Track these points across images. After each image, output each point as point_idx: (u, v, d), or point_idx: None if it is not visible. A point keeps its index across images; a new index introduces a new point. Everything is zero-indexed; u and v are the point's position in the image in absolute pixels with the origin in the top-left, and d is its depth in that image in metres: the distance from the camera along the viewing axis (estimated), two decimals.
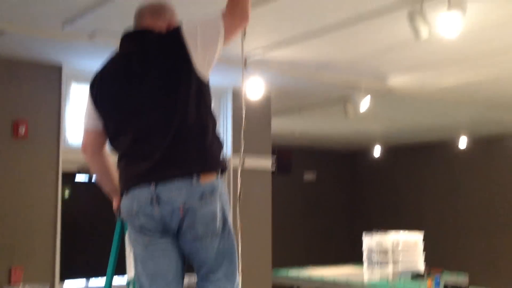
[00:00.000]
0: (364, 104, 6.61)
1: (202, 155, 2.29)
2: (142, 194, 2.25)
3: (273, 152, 7.75)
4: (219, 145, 2.39)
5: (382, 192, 12.95)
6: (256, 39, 4.81)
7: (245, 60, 2.98)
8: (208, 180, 2.26)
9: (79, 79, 6.03)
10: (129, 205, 2.30)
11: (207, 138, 2.31)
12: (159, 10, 2.51)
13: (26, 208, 5.52)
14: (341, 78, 6.39)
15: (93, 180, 5.51)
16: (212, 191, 2.27)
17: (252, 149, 6.96)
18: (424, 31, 3.99)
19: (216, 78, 4.43)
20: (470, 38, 4.72)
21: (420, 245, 7.22)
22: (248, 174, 5.71)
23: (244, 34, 2.81)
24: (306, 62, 5.84)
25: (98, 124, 2.47)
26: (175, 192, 2.22)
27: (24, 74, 5.63)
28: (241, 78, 5.86)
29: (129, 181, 2.31)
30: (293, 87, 7.02)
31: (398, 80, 6.60)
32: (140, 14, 2.54)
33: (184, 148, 2.26)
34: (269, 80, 6.28)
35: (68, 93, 6.01)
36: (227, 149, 6.82)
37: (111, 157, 2.58)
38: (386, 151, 12.07)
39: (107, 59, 2.56)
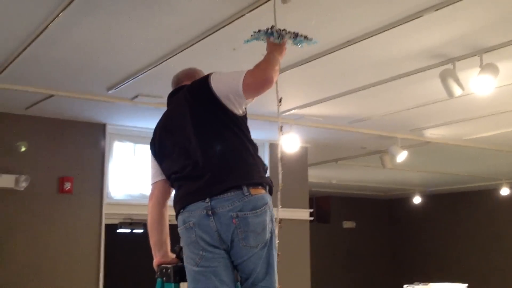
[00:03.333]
0: (401, 156, 6.63)
1: (249, 171, 2.49)
2: (198, 209, 2.43)
3: (312, 201, 7.79)
4: (263, 165, 2.60)
5: (422, 240, 12.75)
6: (293, 98, 4.98)
7: (281, 127, 3.09)
8: (258, 193, 2.46)
9: (121, 137, 6.28)
10: (186, 219, 2.47)
11: (250, 158, 2.54)
12: (193, 74, 2.84)
13: (70, 258, 5.71)
14: (376, 132, 6.45)
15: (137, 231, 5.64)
16: (263, 202, 2.46)
17: (290, 200, 7.05)
18: (457, 90, 4.06)
19: (254, 133, 4.61)
20: (502, 91, 4.77)
21: None
22: (286, 224, 5.78)
23: (280, 101, 2.94)
24: (341, 117, 5.95)
25: (161, 174, 2.71)
26: (228, 203, 2.40)
27: (70, 133, 5.90)
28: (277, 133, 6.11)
29: (184, 200, 2.51)
30: (329, 140, 7.11)
31: (433, 132, 6.63)
32: (178, 78, 2.87)
33: (231, 166, 2.48)
34: (305, 133, 6.40)
35: (111, 151, 6.25)
36: None
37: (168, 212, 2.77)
38: (425, 199, 11.96)
39: (159, 119, 2.82)
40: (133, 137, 6.40)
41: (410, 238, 13.07)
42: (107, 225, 6.02)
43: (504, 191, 10.34)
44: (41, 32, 3.58)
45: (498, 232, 11.40)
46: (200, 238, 2.44)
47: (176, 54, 4.03)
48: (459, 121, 6.04)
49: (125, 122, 6.15)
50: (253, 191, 2.43)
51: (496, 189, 10.52)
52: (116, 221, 6.27)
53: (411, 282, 6.84)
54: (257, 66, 2.58)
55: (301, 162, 7.35)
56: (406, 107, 5.54)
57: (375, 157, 7.76)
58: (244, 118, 2.64)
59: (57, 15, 3.32)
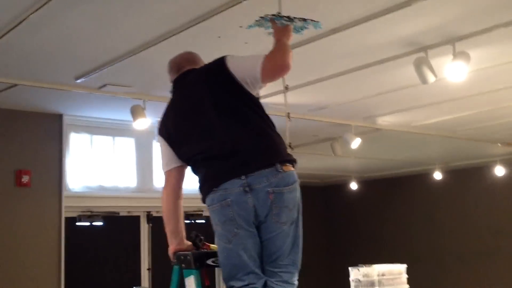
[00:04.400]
0: (355, 143, 6.85)
1: (278, 149, 2.56)
2: (234, 186, 2.45)
3: None
4: (283, 143, 2.66)
5: (360, 225, 13.20)
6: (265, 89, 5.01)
7: (288, 114, 3.15)
8: (289, 169, 2.52)
9: (77, 129, 6.13)
10: (221, 197, 2.48)
11: (276, 136, 2.59)
12: (193, 59, 2.86)
13: (29, 252, 5.52)
14: (332, 119, 6.63)
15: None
16: (294, 179, 2.54)
17: None
18: (430, 77, 4.27)
19: None
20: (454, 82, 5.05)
21: (404, 276, 7.39)
22: None
23: (287, 88, 2.99)
24: (301, 105, 6.06)
25: (176, 160, 2.70)
26: (264, 179, 2.45)
27: (27, 125, 5.68)
28: None
29: (217, 178, 2.51)
30: (284, 127, 7.20)
31: (385, 120, 6.89)
32: (178, 64, 2.84)
33: (263, 143, 2.53)
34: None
35: (68, 142, 6.07)
36: None
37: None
38: (361, 185, 12.38)
39: (166, 107, 2.79)
40: (89, 127, 6.25)
41: (348, 223, 13.49)
42: (66, 218, 5.85)
43: (437, 175, 10.89)
44: (20, 23, 3.44)
45: (430, 214, 12.00)
46: (238, 215, 2.47)
47: (156, 44, 3.97)
48: (411, 108, 6.32)
49: (82, 112, 5.98)
50: (285, 168, 2.49)
51: (429, 174, 11.06)
52: (75, 214, 6.11)
53: (350, 265, 7.07)
54: (275, 52, 2.63)
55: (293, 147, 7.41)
56: (365, 96, 5.74)
57: (323, 144, 7.95)
58: (259, 100, 2.68)
59: (41, 7, 3.21)
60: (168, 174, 2.75)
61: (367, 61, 4.60)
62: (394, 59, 4.49)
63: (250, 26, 3.06)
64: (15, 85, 4.73)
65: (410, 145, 8.97)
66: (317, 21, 3.04)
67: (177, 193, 2.74)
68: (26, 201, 5.61)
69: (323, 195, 14.03)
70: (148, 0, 3.37)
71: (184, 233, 2.77)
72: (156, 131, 2.83)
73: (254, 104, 2.60)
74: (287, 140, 3.20)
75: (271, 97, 5.52)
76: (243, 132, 2.53)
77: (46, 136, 5.83)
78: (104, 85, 4.92)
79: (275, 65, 2.58)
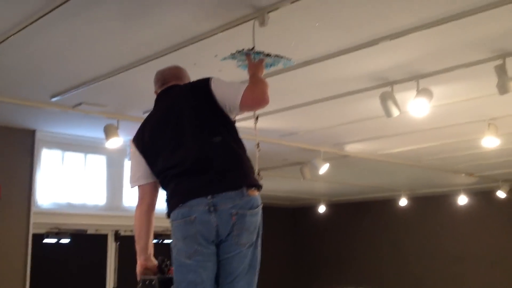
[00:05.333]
0: (323, 168, 7.02)
1: (247, 172, 2.64)
2: (200, 204, 2.53)
3: None
4: (252, 167, 2.75)
5: (325, 248, 13.34)
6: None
7: (258, 143, 3.27)
8: (254, 194, 2.61)
9: (50, 145, 6.15)
10: (187, 213, 2.55)
11: (246, 159, 2.68)
12: (180, 75, 2.95)
13: None
14: (302, 145, 6.79)
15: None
16: (258, 203, 2.62)
17: None
18: (395, 111, 4.46)
19: None
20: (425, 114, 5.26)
21: None
22: None
23: (257, 119, 3.12)
24: (273, 131, 6.21)
25: (151, 175, 2.74)
26: (230, 201, 2.53)
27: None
28: None
29: (185, 195, 2.58)
30: (255, 151, 7.33)
31: (353, 147, 7.08)
32: (165, 77, 2.93)
33: (233, 165, 2.61)
34: None
35: (40, 158, 6.09)
36: None
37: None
38: (329, 208, 12.55)
39: (146, 117, 2.86)
40: (62, 144, 6.27)
41: (314, 246, 13.62)
42: (33, 235, 5.84)
43: (403, 202, 11.13)
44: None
45: (396, 240, 12.21)
46: (199, 233, 2.53)
47: (132, 68, 4.07)
48: (378, 137, 6.52)
49: (55, 129, 6.02)
50: (250, 192, 2.58)
51: (395, 200, 11.30)
52: (42, 231, 6.11)
53: (317, 287, 7.19)
54: (255, 85, 2.75)
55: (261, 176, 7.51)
56: (335, 124, 5.92)
57: (292, 168, 8.10)
58: (234, 124, 2.77)
59: (24, 27, 3.30)
60: (142, 190, 2.77)
61: (337, 92, 4.77)
62: (362, 91, 4.68)
63: (224, 58, 3.20)
64: None
65: (377, 172, 9.19)
66: (289, 59, 3.20)
67: (151, 210, 2.79)
68: None
69: (292, 217, 14.16)
70: (125, 26, 3.47)
71: (152, 250, 2.82)
72: (129, 144, 2.86)
73: (230, 126, 2.71)
74: (256, 167, 3.32)
75: (244, 121, 5.66)
76: (216, 152, 2.61)
77: (18, 151, 5.84)
78: (80, 104, 4.99)
79: (255, 98, 2.70)
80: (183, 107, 2.70)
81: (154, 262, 2.82)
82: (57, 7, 3.09)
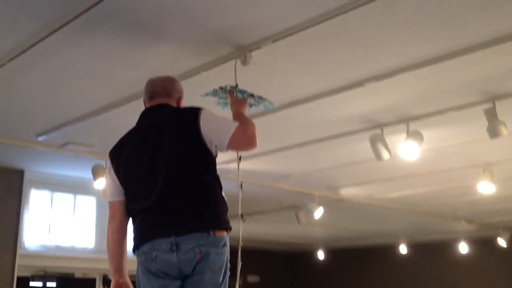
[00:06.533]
0: (318, 212, 6.89)
1: (216, 216, 2.52)
2: (162, 243, 2.45)
3: None
4: (225, 206, 2.62)
5: None
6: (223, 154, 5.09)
7: (241, 184, 3.17)
8: (221, 234, 2.50)
9: (39, 185, 6.07)
10: (149, 250, 2.48)
11: (218, 202, 2.55)
12: (170, 90, 2.79)
13: None
14: (296, 188, 6.68)
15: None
16: (224, 243, 2.51)
17: None
18: (385, 154, 4.37)
19: None
20: (418, 158, 5.16)
21: None
22: None
23: (240, 159, 3.05)
24: (266, 173, 6.12)
25: (121, 193, 2.64)
26: (193, 241, 2.43)
27: None
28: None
29: (148, 234, 2.50)
30: (250, 194, 7.23)
31: (348, 191, 6.97)
32: (155, 91, 2.79)
33: (200, 208, 2.49)
34: (228, 187, 6.49)
35: (28, 198, 6.00)
36: None
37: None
38: (327, 254, 12.32)
39: (126, 133, 2.75)
40: (51, 184, 6.19)
41: None
42: (18, 278, 5.70)
43: (402, 249, 10.92)
44: None
45: (395, 287, 11.95)
46: (161, 270, 2.46)
47: (115, 108, 4.03)
48: (373, 181, 6.42)
49: (44, 169, 5.95)
50: (217, 232, 2.48)
51: (395, 246, 11.09)
52: (28, 273, 5.96)
53: None
54: (245, 125, 2.64)
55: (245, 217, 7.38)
56: (328, 167, 5.83)
57: (288, 212, 7.97)
58: (215, 160, 2.66)
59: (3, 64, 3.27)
60: (114, 207, 2.68)
61: (326, 134, 4.71)
62: (352, 134, 4.62)
63: (206, 94, 3.15)
64: None
65: (375, 217, 9.04)
66: (271, 103, 3.14)
67: (123, 228, 2.69)
68: None
69: (290, 262, 13.91)
70: (109, 66, 3.44)
71: (126, 269, 2.71)
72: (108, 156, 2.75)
73: (209, 164, 2.60)
74: (239, 209, 3.22)
75: (233, 163, 5.59)
76: (187, 192, 2.51)
77: (5, 191, 5.76)
78: (66, 143, 4.93)
79: (245, 140, 2.61)
80: (164, 138, 2.58)
81: (128, 281, 2.71)
82: (36, 43, 3.06)
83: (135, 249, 2.58)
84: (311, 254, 12.69)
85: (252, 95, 3.03)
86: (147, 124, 2.69)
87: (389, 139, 4.44)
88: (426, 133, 4.30)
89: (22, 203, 5.84)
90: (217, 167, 2.66)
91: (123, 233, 2.68)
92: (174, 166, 2.54)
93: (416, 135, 4.20)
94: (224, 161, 5.23)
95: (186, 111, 2.65)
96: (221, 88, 3.06)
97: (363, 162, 5.45)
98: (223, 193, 2.65)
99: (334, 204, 7.40)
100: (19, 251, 5.74)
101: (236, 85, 3.08)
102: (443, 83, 3.72)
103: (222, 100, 3.19)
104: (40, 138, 4.77)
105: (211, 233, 2.46)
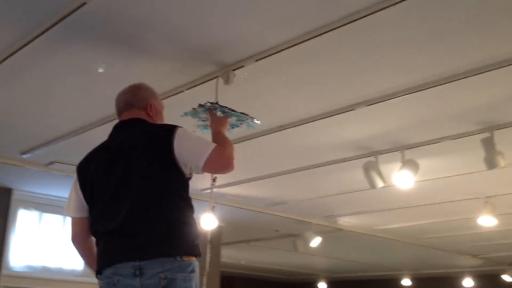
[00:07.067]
0: (315, 242, 6.69)
1: (184, 241, 2.38)
2: (125, 267, 2.30)
3: None
4: (196, 232, 2.47)
5: None
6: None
7: (214, 207, 3.03)
8: (189, 259, 2.35)
9: (27, 205, 5.94)
10: (111, 275, 2.34)
11: (187, 227, 2.40)
12: (132, 101, 2.61)
13: None
14: (292, 215, 6.50)
15: None
16: (192, 269, 2.35)
17: None
18: (379, 182, 4.20)
19: None
20: (416, 189, 4.99)
21: None
22: None
23: (214, 181, 2.90)
24: (259, 199, 5.96)
25: (85, 210, 2.50)
26: (159, 265, 2.29)
27: None
28: (197, 211, 6.00)
29: (110, 258, 2.36)
30: (245, 220, 7.07)
31: (346, 220, 6.77)
32: (119, 107, 2.64)
33: (167, 234, 2.35)
34: (223, 213, 6.34)
35: (15, 218, 5.86)
36: None
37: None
38: (330, 285, 12.05)
39: (95, 147, 2.59)
40: (40, 205, 6.04)
41: None
42: None
43: (405, 282, 10.63)
44: None
45: None
46: None
47: (104, 124, 3.91)
48: (371, 211, 6.22)
49: (34, 188, 5.82)
50: (184, 257, 2.34)
51: (397, 279, 10.80)
52: None
53: None
54: (223, 145, 2.51)
55: (215, 242, 7.20)
56: (323, 194, 5.65)
57: (287, 240, 7.78)
58: (187, 182, 2.51)
59: None
60: (75, 222, 2.54)
61: (319, 160, 4.56)
62: (346, 161, 4.45)
63: (185, 114, 3.01)
64: None
65: (376, 249, 8.80)
66: (253, 118, 3.01)
67: (87, 237, 2.54)
68: None
69: None
70: (88, 82, 3.32)
71: None
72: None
73: (180, 187, 2.45)
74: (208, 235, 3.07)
75: (226, 187, 5.45)
76: (155, 218, 2.37)
77: None
78: (52, 162, 4.81)
79: (221, 163, 2.46)
80: (134, 158, 2.43)
81: None
82: (10, 55, 2.94)
83: (97, 273, 2.42)
84: (312, 285, 12.43)
85: (233, 111, 2.90)
86: (117, 141, 2.54)
87: (385, 167, 4.27)
88: (423, 163, 4.13)
89: (8, 222, 5.69)
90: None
91: (88, 241, 2.54)
92: (143, 189, 2.38)
93: (411, 164, 4.03)
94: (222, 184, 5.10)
95: (159, 131, 2.48)
96: (200, 105, 2.92)
97: (359, 191, 5.27)
98: (194, 217, 2.49)
99: (332, 234, 7.20)
100: (3, 271, 5.57)
101: (217, 102, 2.94)
102: (438, 111, 3.57)
103: (202, 122, 3.05)
104: (24, 156, 4.65)
105: (179, 258, 2.32)
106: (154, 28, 2.73)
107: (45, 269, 6.05)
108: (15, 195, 5.78)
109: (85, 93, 3.50)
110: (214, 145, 2.45)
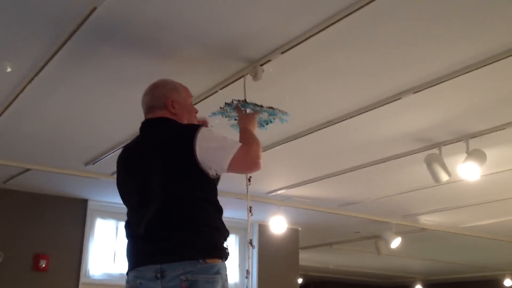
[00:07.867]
0: (395, 242, 6.38)
1: (208, 244, 2.31)
2: (147, 270, 2.29)
3: (308, 287, 7.46)
4: (223, 233, 2.39)
5: None
6: (279, 178, 4.86)
7: (250, 208, 2.89)
8: (213, 261, 2.28)
9: (104, 214, 6.11)
10: (134, 278, 2.34)
11: (212, 225, 2.34)
12: (152, 102, 2.56)
13: None
14: (367, 216, 6.23)
15: None
16: (217, 271, 2.27)
17: (279, 281, 6.73)
18: (443, 176, 3.89)
19: (237, 213, 4.45)
20: (494, 178, 4.60)
21: None
22: None
23: (249, 180, 2.79)
24: (329, 199, 5.76)
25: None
26: (180, 268, 2.24)
27: (49, 208, 5.72)
28: (267, 214, 5.90)
29: (134, 261, 2.37)
30: (320, 223, 6.87)
31: (428, 219, 6.39)
32: (144, 110, 2.61)
33: (189, 239, 2.30)
34: (294, 215, 6.20)
35: (93, 228, 6.05)
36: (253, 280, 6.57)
37: None
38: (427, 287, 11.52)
39: (128, 144, 2.60)
40: (116, 214, 6.19)
41: None
42: None
43: (508, 282, 9.92)
44: (9, 104, 3.49)
45: None
46: None
47: None
48: (452, 208, 5.82)
49: (107, 198, 5.97)
50: (208, 259, 2.26)
51: (499, 280, 10.10)
52: None
53: None
54: (249, 144, 2.41)
55: (291, 245, 7.05)
56: (396, 192, 5.35)
57: (370, 242, 7.49)
58: (216, 180, 2.45)
59: (24, 86, 3.24)
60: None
61: (379, 156, 4.32)
62: (407, 155, 4.17)
63: (214, 114, 2.92)
64: (28, 169, 4.80)
65: (471, 248, 8.25)
66: (285, 112, 2.86)
67: None
68: (42, 286, 5.54)
69: None
70: (127, 91, 3.32)
71: None
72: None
73: (206, 192, 2.37)
74: (248, 236, 2.95)
75: (292, 188, 5.31)
76: (179, 223, 2.32)
77: (69, 220, 5.83)
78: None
79: (247, 163, 2.37)
80: (155, 162, 2.38)
81: None
82: (40, 71, 3.00)
83: (126, 274, 2.45)
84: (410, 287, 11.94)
85: (261, 106, 2.77)
86: (143, 142, 2.50)
87: (449, 160, 3.95)
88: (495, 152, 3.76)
89: (85, 232, 5.88)
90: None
91: None
92: (165, 194, 2.34)
93: (476, 154, 3.68)
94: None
95: (180, 133, 2.41)
96: (227, 104, 2.82)
97: (430, 187, 4.92)
98: (220, 218, 2.40)
99: (415, 234, 6.82)
100: (82, 280, 5.76)
101: (244, 99, 2.82)
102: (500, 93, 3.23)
103: (235, 122, 2.93)
104: (88, 167, 4.77)
105: (201, 260, 2.25)
106: (172, 29, 2.65)
107: (123, 277, 6.16)
108: (91, 206, 5.97)
109: (135, 101, 3.50)
110: (239, 144, 2.35)
